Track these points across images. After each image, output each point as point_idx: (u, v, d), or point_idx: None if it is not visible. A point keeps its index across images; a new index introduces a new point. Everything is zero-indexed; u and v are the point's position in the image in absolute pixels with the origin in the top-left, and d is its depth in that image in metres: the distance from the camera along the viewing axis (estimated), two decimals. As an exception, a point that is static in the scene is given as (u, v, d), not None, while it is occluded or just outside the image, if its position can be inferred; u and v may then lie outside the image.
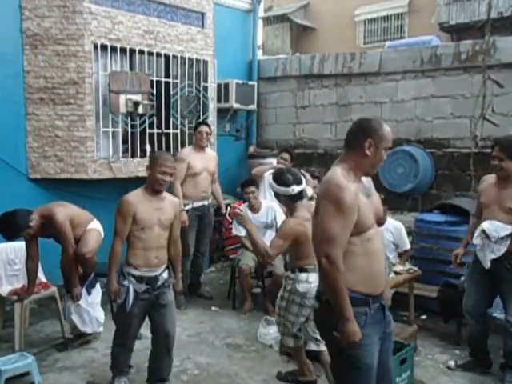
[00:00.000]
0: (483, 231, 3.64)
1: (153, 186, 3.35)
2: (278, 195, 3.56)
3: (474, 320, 3.86)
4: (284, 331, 3.64)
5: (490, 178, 3.83)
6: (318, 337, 3.58)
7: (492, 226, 3.62)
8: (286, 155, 5.90)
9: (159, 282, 3.44)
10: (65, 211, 4.28)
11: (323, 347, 3.59)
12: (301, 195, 3.50)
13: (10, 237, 4.10)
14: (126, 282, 3.39)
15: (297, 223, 3.44)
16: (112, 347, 3.64)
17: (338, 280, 2.23)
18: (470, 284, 3.90)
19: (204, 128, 5.47)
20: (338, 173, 2.30)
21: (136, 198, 3.35)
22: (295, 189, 3.42)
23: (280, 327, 3.70)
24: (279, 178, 3.48)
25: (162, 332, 3.50)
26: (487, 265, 3.65)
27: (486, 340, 3.93)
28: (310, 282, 3.46)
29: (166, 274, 3.51)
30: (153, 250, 3.38)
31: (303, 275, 3.49)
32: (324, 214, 2.27)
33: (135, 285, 3.38)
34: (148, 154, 5.88)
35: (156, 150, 5.98)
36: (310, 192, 3.79)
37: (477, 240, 3.71)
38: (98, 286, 4.55)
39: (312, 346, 3.73)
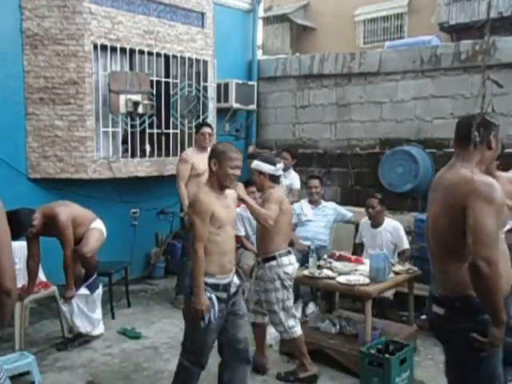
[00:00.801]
0: None
1: (223, 181, 3.05)
2: (260, 178, 3.78)
3: None
4: (285, 320, 3.73)
5: None
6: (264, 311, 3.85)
7: None
8: (286, 154, 5.92)
9: (232, 289, 3.14)
10: (68, 211, 4.28)
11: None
12: (279, 178, 3.85)
13: (13, 236, 4.09)
14: (206, 294, 2.98)
15: (279, 191, 3.80)
16: (180, 368, 3.15)
17: (498, 285, 2.12)
18: None
19: (206, 129, 5.47)
20: (470, 172, 2.22)
21: (208, 196, 3.02)
22: (280, 169, 3.79)
23: (279, 325, 3.75)
24: (269, 158, 3.89)
25: (240, 343, 3.17)
26: None
27: None
28: (292, 263, 3.77)
29: (236, 279, 3.22)
30: (227, 253, 3.08)
31: (285, 259, 3.72)
32: (479, 215, 2.15)
33: (218, 294, 3.03)
34: (148, 153, 5.89)
35: (156, 149, 5.99)
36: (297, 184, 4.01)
37: None
38: (100, 288, 4.55)
39: (258, 319, 3.92)
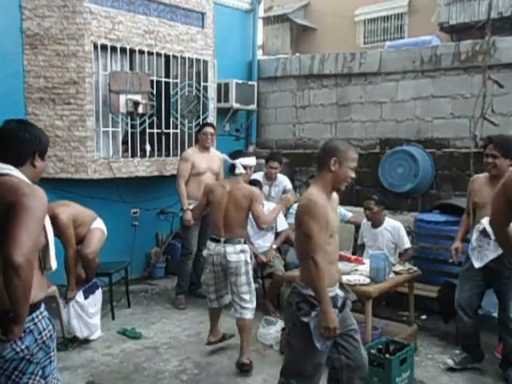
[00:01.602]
0: (483, 230, 3.60)
1: (339, 184, 2.74)
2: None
3: (466, 316, 3.83)
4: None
5: (481, 178, 3.86)
6: (244, 304, 4.04)
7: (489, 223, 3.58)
8: (274, 163, 5.71)
9: (339, 302, 2.77)
10: (68, 211, 4.28)
11: (246, 315, 4.03)
12: (234, 167, 4.04)
13: None
14: (314, 313, 2.63)
15: (215, 184, 4.26)
16: None
17: None
18: (463, 280, 3.89)
19: (209, 129, 5.47)
20: None
21: (322, 199, 2.66)
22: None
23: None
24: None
25: (357, 367, 2.79)
26: (480, 264, 3.66)
27: (479, 335, 3.92)
28: (210, 249, 4.03)
29: (340, 291, 2.82)
30: (335, 262, 2.80)
31: (210, 243, 4.05)
32: None
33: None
34: (148, 153, 5.89)
35: (156, 149, 5.99)
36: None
37: (476, 242, 3.69)
38: (98, 291, 4.53)
39: (236, 314, 4.09)
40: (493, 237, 3.53)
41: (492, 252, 3.60)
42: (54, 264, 2.22)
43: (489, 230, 3.54)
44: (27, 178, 2.23)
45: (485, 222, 3.57)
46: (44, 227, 2.15)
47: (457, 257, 3.98)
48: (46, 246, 2.18)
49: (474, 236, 3.71)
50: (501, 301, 3.77)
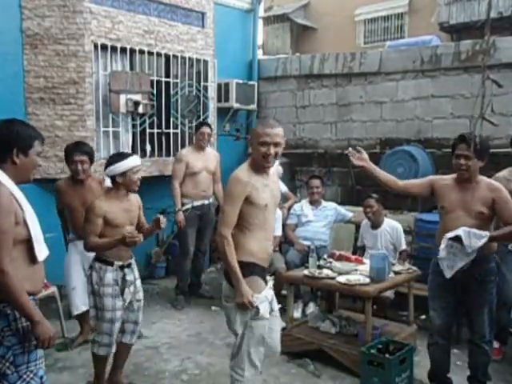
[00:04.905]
0: (455, 238, 3.22)
1: None
2: None
3: (442, 338, 3.45)
4: None
5: (446, 181, 3.47)
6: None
7: (467, 235, 3.18)
8: None
9: None
10: None
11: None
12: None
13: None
14: None
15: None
16: None
17: None
18: (434, 300, 3.48)
19: (206, 129, 5.44)
20: None
21: None
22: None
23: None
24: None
25: None
26: (451, 274, 3.27)
27: (450, 360, 3.56)
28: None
29: None
30: None
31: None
32: None
33: None
34: (148, 153, 5.89)
35: (157, 149, 5.99)
36: None
37: (445, 250, 3.28)
38: None
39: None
40: (469, 249, 3.17)
41: (460, 260, 3.23)
42: (40, 256, 2.29)
43: (465, 240, 3.17)
44: (11, 176, 2.22)
45: (462, 233, 3.19)
46: (24, 220, 2.21)
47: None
48: (29, 238, 2.24)
49: (443, 245, 3.30)
50: (469, 318, 3.44)
